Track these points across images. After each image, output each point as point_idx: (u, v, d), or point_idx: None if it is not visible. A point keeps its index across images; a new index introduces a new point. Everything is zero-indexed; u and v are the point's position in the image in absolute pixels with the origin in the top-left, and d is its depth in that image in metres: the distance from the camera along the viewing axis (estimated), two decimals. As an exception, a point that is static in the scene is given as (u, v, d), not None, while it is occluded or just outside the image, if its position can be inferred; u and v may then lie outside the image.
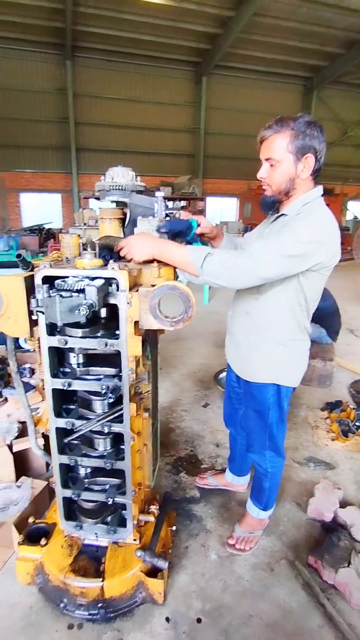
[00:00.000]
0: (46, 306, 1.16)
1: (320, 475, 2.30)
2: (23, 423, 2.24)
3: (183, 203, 11.78)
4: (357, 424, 2.73)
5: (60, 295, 1.13)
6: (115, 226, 1.60)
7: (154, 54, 14.16)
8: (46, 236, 11.67)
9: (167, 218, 1.49)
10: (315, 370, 3.40)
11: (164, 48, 13.79)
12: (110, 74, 14.68)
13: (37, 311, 1.24)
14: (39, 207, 15.76)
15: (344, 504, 2.00)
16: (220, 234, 1.66)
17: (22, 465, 2.10)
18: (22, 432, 2.19)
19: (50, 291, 1.17)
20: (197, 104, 15.77)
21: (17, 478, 1.98)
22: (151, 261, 1.35)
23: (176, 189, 11.65)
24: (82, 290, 1.16)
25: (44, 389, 1.46)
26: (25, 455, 2.13)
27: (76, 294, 1.15)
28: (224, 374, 3.42)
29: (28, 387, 2.50)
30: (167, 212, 1.51)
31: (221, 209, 17.81)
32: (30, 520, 1.68)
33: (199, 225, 1.52)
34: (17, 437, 2.13)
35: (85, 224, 2.01)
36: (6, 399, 2.43)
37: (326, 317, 3.53)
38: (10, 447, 2.03)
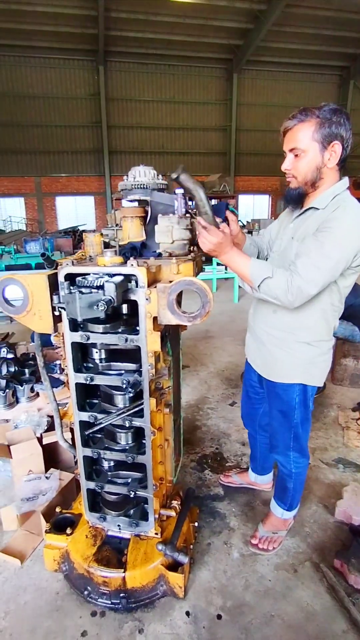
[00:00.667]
0: (67, 302, 1.20)
1: (350, 477, 2.23)
2: (52, 417, 2.33)
3: (214, 202, 11.73)
4: (392, 425, 2.61)
5: (80, 292, 1.17)
6: (137, 224, 1.64)
7: (185, 54, 14.22)
8: (80, 238, 12.02)
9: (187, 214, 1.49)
10: (347, 370, 3.29)
11: (195, 47, 13.82)
12: (142, 76, 14.89)
13: (59, 307, 1.29)
14: (74, 210, 16.25)
15: (374, 508, 1.93)
16: (243, 237, 1.64)
17: (51, 457, 2.18)
18: (52, 426, 2.28)
19: (71, 288, 1.21)
20: (228, 102, 15.66)
21: (47, 470, 2.06)
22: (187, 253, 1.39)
23: (207, 188, 11.63)
24: (101, 287, 1.19)
25: (69, 383, 1.52)
26: (55, 447, 2.22)
27: (95, 291, 1.19)
28: (252, 372, 3.39)
29: (58, 383, 2.59)
30: (187, 209, 1.52)
31: (253, 206, 17.58)
32: (58, 510, 1.75)
33: (228, 218, 1.54)
34: (46, 431, 2.22)
35: (117, 224, 2.05)
36: (37, 394, 2.53)
37: (358, 314, 3.40)
38: (40, 439, 2.12)
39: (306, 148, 1.27)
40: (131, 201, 1.74)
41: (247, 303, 6.69)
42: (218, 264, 7.03)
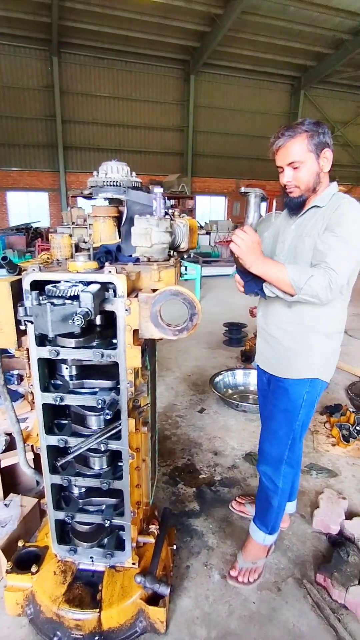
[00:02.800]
0: (35, 315, 1.03)
1: (324, 483, 2.22)
2: (11, 435, 2.11)
3: (172, 202, 11.67)
4: (358, 428, 2.66)
5: (52, 303, 1.01)
6: (110, 225, 1.50)
7: (143, 52, 14.00)
8: (33, 235, 11.44)
9: (167, 216, 1.37)
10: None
11: (152, 45, 13.65)
12: (98, 71, 14.47)
13: (25, 320, 1.12)
14: (26, 206, 15.46)
15: (349, 515, 1.93)
16: None
17: (9, 481, 1.96)
18: (10, 445, 2.06)
19: (40, 298, 1.05)
20: (186, 103, 15.67)
21: (5, 495, 1.85)
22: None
23: (165, 188, 11.51)
24: (76, 297, 1.04)
25: (33, 401, 1.34)
26: (14, 469, 2.00)
27: (69, 301, 1.04)
28: (220, 377, 3.34)
29: (16, 396, 2.37)
30: (166, 210, 1.40)
31: (210, 207, 17.76)
32: (20, 544, 1.55)
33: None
34: (4, 451, 2.00)
35: (73, 222, 1.89)
36: (-8, 409, 2.29)
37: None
38: (-4, 462, 1.89)
39: (304, 159, 1.35)
40: (89, 198, 1.59)
41: (209, 304, 6.65)
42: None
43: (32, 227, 12.16)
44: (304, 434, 1.59)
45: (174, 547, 1.68)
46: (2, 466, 1.88)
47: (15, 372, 2.69)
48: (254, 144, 15.74)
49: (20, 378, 2.71)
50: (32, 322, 1.11)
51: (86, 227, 1.67)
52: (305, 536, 1.86)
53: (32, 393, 1.33)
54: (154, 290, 1.16)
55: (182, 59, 14.73)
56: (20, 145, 14.41)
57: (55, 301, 1.03)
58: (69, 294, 1.05)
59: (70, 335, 1.15)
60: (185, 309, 1.12)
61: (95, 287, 1.08)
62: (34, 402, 1.32)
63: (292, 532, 1.88)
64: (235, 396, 3.27)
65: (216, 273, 9.29)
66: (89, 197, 1.63)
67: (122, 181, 1.50)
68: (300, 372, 1.49)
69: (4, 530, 1.64)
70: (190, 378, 3.60)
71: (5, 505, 1.75)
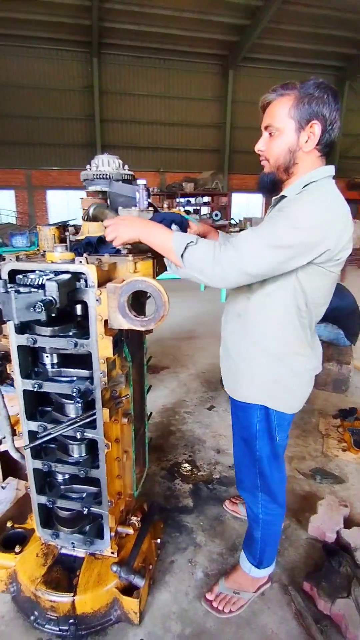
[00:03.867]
0: (2, 302, 1.06)
1: (327, 489, 2.13)
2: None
3: (206, 199, 11.60)
4: (373, 434, 2.52)
5: (17, 291, 1.03)
6: (98, 217, 1.51)
7: (181, 49, 13.99)
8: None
9: (150, 208, 1.37)
10: (330, 374, 3.19)
11: (191, 42, 13.61)
12: (137, 70, 14.64)
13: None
14: (65, 204, 16.01)
15: (349, 524, 1.83)
16: (213, 231, 1.42)
17: (12, 465, 2.04)
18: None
19: (8, 286, 1.08)
20: (224, 98, 15.50)
21: (4, 478, 1.93)
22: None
23: (200, 185, 11.47)
24: (42, 286, 1.06)
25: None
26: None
27: (35, 290, 1.06)
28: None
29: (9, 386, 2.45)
30: (150, 202, 1.39)
31: (247, 204, 17.49)
32: (9, 524, 1.62)
33: (188, 226, 1.30)
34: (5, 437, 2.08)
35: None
36: None
37: (344, 317, 3.30)
38: (-3, 446, 1.98)
39: (281, 126, 1.10)
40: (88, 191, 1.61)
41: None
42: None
43: (68, 224, 12.56)
44: (275, 466, 1.34)
45: (159, 540, 1.68)
46: (1, 450, 1.96)
47: None
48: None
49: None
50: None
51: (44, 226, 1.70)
52: (299, 542, 1.79)
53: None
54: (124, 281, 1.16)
55: (221, 54, 14.57)
56: (60, 145, 14.91)
57: (22, 289, 1.05)
58: (36, 283, 1.07)
59: (45, 323, 1.18)
60: (153, 300, 1.11)
61: (64, 277, 1.09)
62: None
63: (285, 537, 1.81)
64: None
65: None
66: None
67: (112, 174, 1.51)
68: (246, 396, 1.29)
69: (-3, 511, 1.72)
70: (204, 375, 3.57)
71: (2, 487, 1.83)
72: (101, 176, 1.51)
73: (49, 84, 14.18)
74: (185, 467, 2.28)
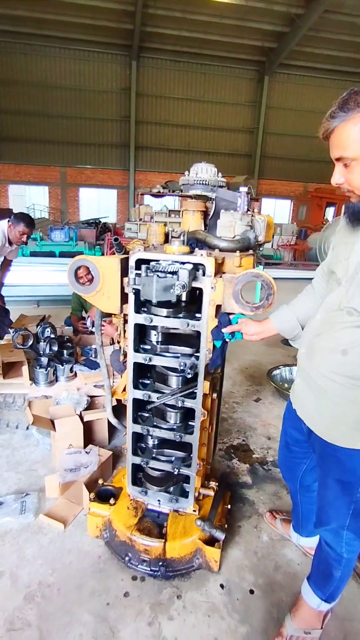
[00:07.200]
0: (143, 284, 1.29)
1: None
2: (91, 396, 2.44)
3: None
4: None
5: (158, 275, 1.26)
6: (197, 218, 1.72)
7: (219, 54, 14.26)
8: (102, 229, 12.16)
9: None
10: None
11: (229, 47, 13.85)
12: (173, 73, 14.97)
13: (133, 288, 1.38)
14: (96, 202, 16.44)
15: None
16: (296, 323, 1.40)
17: (88, 436, 2.29)
18: (91, 405, 2.39)
19: (148, 271, 1.31)
20: (258, 104, 15.66)
21: (85, 446, 2.17)
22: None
23: (232, 189, 11.63)
24: (175, 273, 1.28)
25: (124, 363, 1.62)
26: (92, 426, 2.33)
27: (170, 276, 1.28)
28: (277, 371, 3.46)
29: (95, 365, 2.70)
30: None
31: (274, 210, 17.57)
32: (100, 482, 1.85)
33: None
34: (86, 409, 2.33)
35: (140, 219, 2.13)
36: (76, 374, 2.65)
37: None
38: (80, 416, 2.22)
39: (356, 155, 0.99)
40: (158, 196, 1.82)
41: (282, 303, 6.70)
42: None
43: (100, 221, 12.95)
44: None
45: (229, 507, 1.89)
46: (84, 420, 2.21)
47: (93, 346, 3.04)
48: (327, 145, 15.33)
49: (96, 353, 3.06)
50: (136, 291, 1.37)
51: (153, 223, 1.92)
52: None
53: (124, 354, 1.61)
54: (236, 273, 1.37)
55: (258, 60, 14.76)
56: (95, 145, 15.35)
57: (159, 274, 1.28)
58: (169, 270, 1.30)
59: (164, 305, 1.40)
60: (264, 289, 1.31)
61: (189, 266, 1.32)
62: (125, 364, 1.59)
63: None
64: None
65: (278, 275, 9.24)
66: (157, 195, 1.89)
67: (210, 180, 1.73)
68: (351, 440, 1.15)
69: (87, 470, 1.95)
70: (247, 370, 3.77)
71: (87, 452, 2.07)
72: (201, 182, 1.73)
73: (88, 85, 14.64)
74: (242, 448, 2.48)
